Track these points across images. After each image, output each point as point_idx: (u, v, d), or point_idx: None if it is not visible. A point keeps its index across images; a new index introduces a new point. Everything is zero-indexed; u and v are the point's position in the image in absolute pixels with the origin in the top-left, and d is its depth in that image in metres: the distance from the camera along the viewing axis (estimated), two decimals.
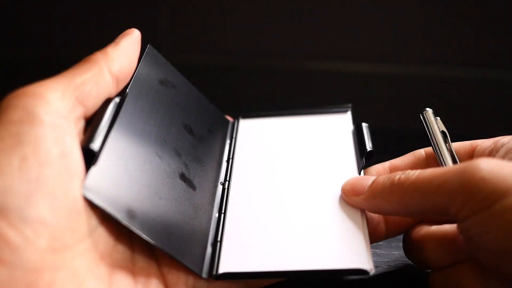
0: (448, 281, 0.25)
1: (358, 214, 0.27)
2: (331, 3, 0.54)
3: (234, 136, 0.34)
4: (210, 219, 0.28)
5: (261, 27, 0.57)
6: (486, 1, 0.52)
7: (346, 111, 0.35)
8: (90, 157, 0.22)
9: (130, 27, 0.29)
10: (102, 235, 0.23)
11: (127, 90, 0.26)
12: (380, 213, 0.28)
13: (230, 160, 0.32)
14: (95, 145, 0.22)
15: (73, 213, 0.21)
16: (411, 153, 0.32)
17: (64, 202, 0.20)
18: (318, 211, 0.27)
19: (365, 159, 0.31)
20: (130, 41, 0.27)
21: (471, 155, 0.30)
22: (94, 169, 0.22)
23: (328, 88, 0.58)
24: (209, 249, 0.26)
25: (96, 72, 0.24)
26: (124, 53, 0.26)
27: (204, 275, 0.25)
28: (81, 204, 0.21)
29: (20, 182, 0.19)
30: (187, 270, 0.25)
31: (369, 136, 0.32)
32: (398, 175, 0.25)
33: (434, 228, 0.27)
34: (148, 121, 0.27)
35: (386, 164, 0.32)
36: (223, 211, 0.28)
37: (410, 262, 0.31)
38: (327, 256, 0.24)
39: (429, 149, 0.31)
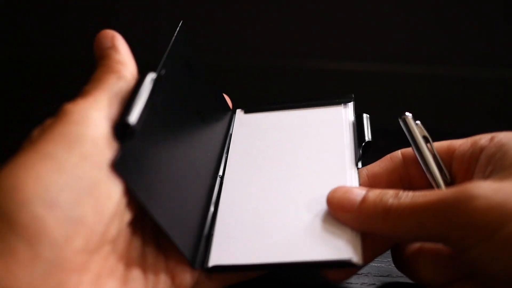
0: None
1: None
2: (332, 2, 0.54)
3: (231, 128, 0.34)
4: (208, 212, 0.28)
5: (262, 27, 0.57)
6: (486, 1, 0.52)
7: (347, 102, 0.34)
8: (123, 131, 0.22)
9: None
10: (121, 234, 0.24)
11: (161, 68, 0.26)
12: (370, 233, 0.26)
13: (224, 153, 0.32)
14: (132, 119, 0.22)
15: (110, 217, 0.21)
16: (387, 156, 0.30)
17: (106, 206, 0.21)
18: (309, 204, 0.27)
19: (363, 150, 0.30)
20: (122, 41, 0.27)
21: (450, 157, 0.28)
22: (128, 144, 0.22)
23: (328, 88, 0.58)
24: (203, 242, 0.26)
25: (127, 80, 0.25)
26: (128, 53, 0.27)
27: (197, 266, 0.25)
28: (119, 209, 0.22)
29: (75, 180, 0.19)
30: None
31: (369, 126, 0.31)
32: (390, 200, 0.24)
33: (428, 244, 0.26)
34: (176, 103, 0.27)
35: (364, 172, 0.30)
36: (216, 204, 0.29)
37: None
38: (313, 248, 0.24)
39: (407, 150, 0.30)
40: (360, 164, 0.30)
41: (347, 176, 0.28)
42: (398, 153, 0.30)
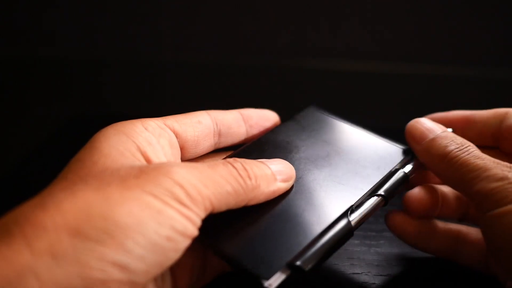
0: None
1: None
2: (333, 2, 0.54)
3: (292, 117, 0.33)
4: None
5: (262, 27, 0.57)
6: (487, 1, 0.52)
7: (409, 154, 0.31)
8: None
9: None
10: None
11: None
12: (426, 166, 0.29)
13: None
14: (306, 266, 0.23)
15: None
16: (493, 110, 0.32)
17: (157, 271, 0.21)
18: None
19: (373, 200, 0.27)
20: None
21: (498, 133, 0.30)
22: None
23: (328, 88, 0.58)
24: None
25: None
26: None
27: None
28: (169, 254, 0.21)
29: (153, 255, 0.20)
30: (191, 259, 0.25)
31: (395, 183, 0.28)
32: (452, 147, 0.27)
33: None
34: None
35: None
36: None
37: (409, 260, 0.32)
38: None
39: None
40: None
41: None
42: (503, 111, 0.31)
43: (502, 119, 0.30)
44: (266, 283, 0.22)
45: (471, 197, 0.26)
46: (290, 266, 0.22)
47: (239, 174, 0.23)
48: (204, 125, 0.28)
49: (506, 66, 0.55)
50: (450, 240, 0.30)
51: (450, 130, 0.31)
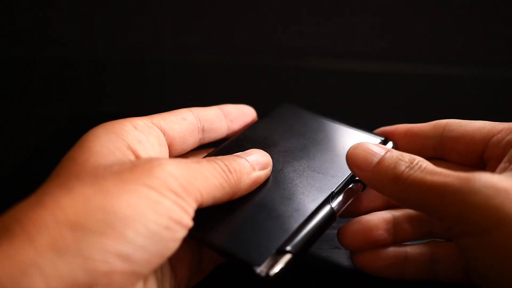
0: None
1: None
2: (332, 2, 0.54)
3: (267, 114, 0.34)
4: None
5: (262, 27, 0.57)
6: (488, 1, 0.52)
7: (387, 141, 0.33)
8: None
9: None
10: None
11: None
12: (379, 192, 0.27)
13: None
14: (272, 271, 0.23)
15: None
16: (433, 122, 0.31)
17: (159, 261, 0.21)
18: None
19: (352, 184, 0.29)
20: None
21: (485, 143, 0.28)
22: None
23: (329, 87, 0.58)
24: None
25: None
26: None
27: None
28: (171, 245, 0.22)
29: (153, 244, 0.20)
30: (191, 255, 0.26)
31: None
32: (403, 168, 0.24)
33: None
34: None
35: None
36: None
37: None
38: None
39: (453, 122, 0.30)
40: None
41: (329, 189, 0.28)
42: (443, 122, 0.30)
43: (442, 131, 0.30)
44: (258, 269, 0.23)
45: (439, 218, 0.24)
46: (280, 252, 0.23)
47: (222, 169, 0.24)
48: (189, 121, 0.29)
49: (506, 66, 0.55)
50: (424, 263, 0.28)
51: (390, 144, 0.31)
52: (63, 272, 0.18)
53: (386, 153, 0.26)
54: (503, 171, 0.25)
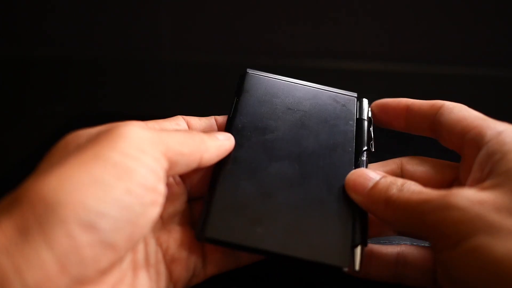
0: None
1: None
2: (332, 2, 0.54)
3: (241, 90, 0.33)
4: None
5: (262, 27, 0.57)
6: (488, 1, 0.52)
7: (362, 98, 0.35)
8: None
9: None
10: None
11: None
12: (374, 216, 0.27)
13: (232, 114, 0.31)
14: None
15: (139, 244, 0.23)
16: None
17: (138, 236, 0.22)
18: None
19: (364, 155, 0.30)
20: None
21: (463, 136, 0.28)
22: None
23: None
24: (204, 211, 0.26)
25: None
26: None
27: (196, 237, 0.25)
28: (147, 234, 0.24)
29: (117, 210, 0.20)
30: (190, 252, 0.26)
31: (367, 132, 0.32)
32: (394, 190, 0.25)
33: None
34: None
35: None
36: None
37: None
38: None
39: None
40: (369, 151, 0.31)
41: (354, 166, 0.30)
42: (439, 104, 0.30)
43: (437, 112, 0.29)
44: (346, 269, 0.25)
45: (424, 238, 0.25)
46: (354, 246, 0.26)
47: (185, 130, 0.26)
48: (182, 128, 0.29)
49: (506, 66, 0.55)
50: (390, 265, 0.28)
51: (366, 102, 0.34)
52: (29, 255, 0.18)
53: (381, 178, 0.27)
54: (477, 181, 0.25)
